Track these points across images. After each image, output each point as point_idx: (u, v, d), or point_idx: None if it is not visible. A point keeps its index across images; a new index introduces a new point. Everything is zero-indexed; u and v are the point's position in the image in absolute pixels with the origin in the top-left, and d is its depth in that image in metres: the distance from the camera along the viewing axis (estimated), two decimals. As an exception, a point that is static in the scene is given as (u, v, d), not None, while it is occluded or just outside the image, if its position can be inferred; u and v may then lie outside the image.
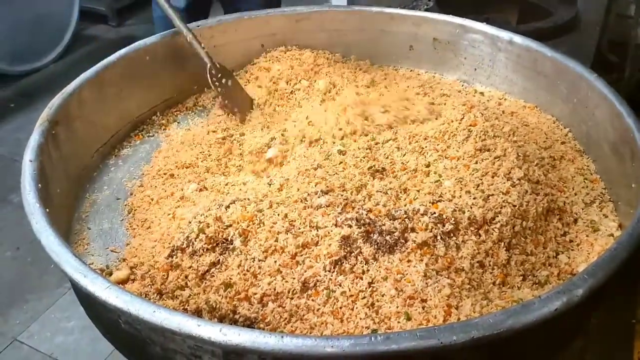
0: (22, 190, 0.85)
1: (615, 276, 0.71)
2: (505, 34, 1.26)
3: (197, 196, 1.00)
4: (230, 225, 0.84)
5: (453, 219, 0.84)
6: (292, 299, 0.77)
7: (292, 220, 0.84)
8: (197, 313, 0.77)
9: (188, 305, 0.78)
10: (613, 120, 1.02)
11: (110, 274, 0.87)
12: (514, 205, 0.88)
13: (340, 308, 0.75)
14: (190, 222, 0.87)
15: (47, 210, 0.82)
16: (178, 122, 1.27)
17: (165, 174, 1.08)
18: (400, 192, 0.92)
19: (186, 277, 0.81)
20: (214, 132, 1.19)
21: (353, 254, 0.80)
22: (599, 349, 0.87)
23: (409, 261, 0.79)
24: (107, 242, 0.96)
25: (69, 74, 1.14)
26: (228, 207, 0.87)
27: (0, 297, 1.59)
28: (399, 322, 0.73)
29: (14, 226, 1.82)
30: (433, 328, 0.63)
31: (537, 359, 0.76)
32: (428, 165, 0.98)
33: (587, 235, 0.92)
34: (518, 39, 1.24)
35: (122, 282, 0.84)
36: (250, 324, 0.76)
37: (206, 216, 0.86)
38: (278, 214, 0.85)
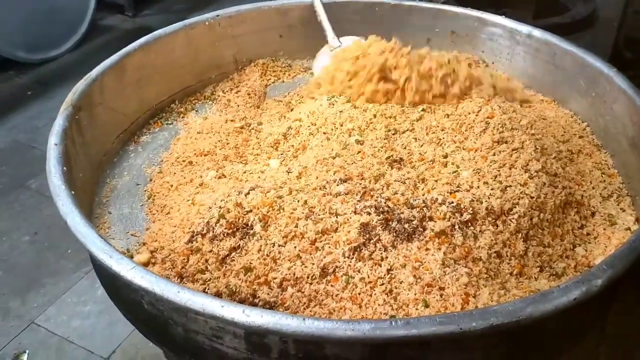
0: (47, 173, 0.87)
1: (633, 268, 0.72)
2: (524, 28, 1.26)
3: (215, 183, 1.01)
4: (251, 211, 0.85)
5: (471, 209, 0.85)
6: (311, 284, 0.78)
7: (312, 207, 0.85)
8: (217, 296, 0.78)
9: (208, 289, 0.80)
10: (632, 115, 1.02)
11: (131, 257, 0.88)
12: (532, 197, 0.89)
13: (359, 294, 0.76)
14: (210, 208, 0.88)
15: (73, 192, 0.84)
16: (196, 111, 1.28)
17: (183, 161, 1.09)
18: (418, 182, 0.93)
19: (206, 261, 0.82)
20: (232, 121, 1.21)
21: (372, 241, 0.81)
22: (614, 341, 0.87)
23: (427, 249, 0.80)
24: (128, 227, 0.97)
25: (85, 63, 1.16)
26: (248, 193, 0.88)
27: (18, 280, 1.62)
28: (417, 309, 0.74)
29: (32, 211, 1.84)
30: (453, 314, 0.64)
31: (555, 349, 0.77)
32: (446, 156, 0.99)
33: (604, 229, 0.92)
34: (537, 32, 1.24)
35: (143, 265, 0.85)
36: (269, 308, 0.77)
37: (226, 202, 0.87)
38: (298, 201, 0.86)
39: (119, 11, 3.26)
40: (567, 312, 0.66)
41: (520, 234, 0.86)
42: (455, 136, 1.03)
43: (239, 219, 0.84)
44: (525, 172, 0.93)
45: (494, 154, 0.96)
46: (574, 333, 0.77)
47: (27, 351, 1.39)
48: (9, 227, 1.79)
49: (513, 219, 0.86)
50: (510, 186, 0.90)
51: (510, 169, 0.93)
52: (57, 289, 1.58)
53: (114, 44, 1.21)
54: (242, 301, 0.78)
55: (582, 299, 0.66)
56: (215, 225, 0.84)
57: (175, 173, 1.07)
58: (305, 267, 0.79)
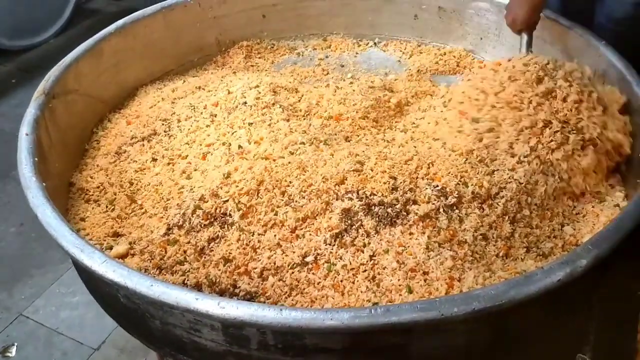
0: (18, 165, 0.84)
1: (621, 247, 0.70)
2: (511, 2, 1.22)
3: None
4: (227, 200, 0.83)
5: (456, 192, 0.83)
6: (292, 272, 0.76)
7: (291, 195, 0.83)
8: (197, 288, 0.77)
9: (188, 280, 0.78)
10: (621, 87, 1.00)
11: (111, 248, 0.86)
12: (520, 182, 0.86)
13: (341, 281, 0.75)
14: (184, 201, 0.86)
15: (45, 184, 0.81)
16: (178, 95, 1.25)
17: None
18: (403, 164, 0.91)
19: (185, 252, 0.80)
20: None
21: (354, 227, 0.79)
22: (604, 322, 0.86)
23: (410, 234, 0.78)
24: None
25: (70, 48, 1.12)
26: (224, 181, 0.86)
27: (5, 272, 1.59)
28: (400, 295, 0.72)
29: (18, 202, 1.81)
30: (434, 300, 0.62)
31: (541, 332, 0.75)
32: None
33: (593, 206, 0.90)
34: (525, 6, 1.20)
35: (121, 257, 0.83)
36: (250, 298, 0.75)
37: (202, 192, 0.85)
38: (277, 188, 0.84)
39: (103, -6, 3.19)
40: (551, 294, 0.65)
41: (507, 217, 0.83)
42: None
43: (216, 208, 0.82)
44: (512, 156, 0.90)
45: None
46: (560, 316, 0.76)
47: (16, 344, 1.38)
48: (-4, 218, 1.77)
49: (500, 202, 0.84)
50: (497, 170, 0.88)
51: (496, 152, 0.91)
52: (45, 279, 1.56)
53: (99, 28, 1.18)
54: (222, 292, 0.76)
55: (567, 281, 0.65)
56: (192, 216, 0.81)
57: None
58: (286, 255, 0.77)
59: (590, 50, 1.09)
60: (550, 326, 0.76)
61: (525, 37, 1.11)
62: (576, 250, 0.67)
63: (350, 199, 0.81)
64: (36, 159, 0.85)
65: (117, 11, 3.05)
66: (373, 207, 0.80)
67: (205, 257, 0.79)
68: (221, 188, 0.84)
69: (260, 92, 1.07)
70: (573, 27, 1.13)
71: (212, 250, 0.79)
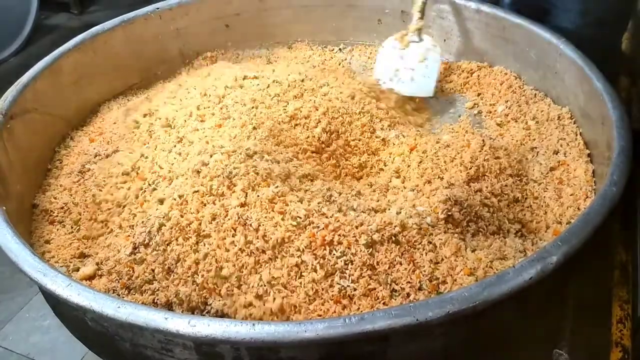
0: (-26, 189, 0.81)
1: (589, 242, 0.71)
2: (471, 3, 1.23)
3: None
4: (192, 222, 0.81)
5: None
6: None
7: (258, 219, 0.81)
8: (168, 306, 0.75)
9: (158, 299, 0.75)
10: (583, 85, 1.01)
11: (78, 269, 0.84)
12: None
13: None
14: (149, 219, 0.84)
15: (5, 207, 0.79)
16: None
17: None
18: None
19: (152, 270, 0.78)
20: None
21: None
22: (578, 314, 0.87)
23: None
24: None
25: (31, 66, 1.09)
26: (188, 197, 0.84)
27: (-28, 299, 1.54)
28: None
29: (-18, 226, 1.76)
30: (408, 305, 0.62)
31: (517, 329, 0.76)
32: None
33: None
34: (485, 7, 1.22)
35: (88, 278, 0.81)
36: (222, 314, 0.74)
37: (167, 209, 0.83)
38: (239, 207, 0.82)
39: (64, 9, 3.12)
40: (524, 292, 0.65)
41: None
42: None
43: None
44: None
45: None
46: (534, 312, 0.76)
47: (-15, 373, 1.34)
48: (-40, 243, 1.71)
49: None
50: None
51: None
52: (13, 304, 1.51)
53: (61, 44, 1.16)
54: (193, 309, 0.74)
55: (538, 278, 0.65)
56: (157, 234, 0.79)
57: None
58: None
59: (550, 48, 1.10)
60: (526, 323, 0.76)
61: None
62: (546, 247, 0.68)
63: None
64: (-6, 182, 0.82)
65: (79, 26, 2.99)
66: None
67: (173, 275, 0.77)
68: (185, 205, 0.82)
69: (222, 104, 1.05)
70: (532, 26, 1.14)
71: (182, 268, 0.77)
